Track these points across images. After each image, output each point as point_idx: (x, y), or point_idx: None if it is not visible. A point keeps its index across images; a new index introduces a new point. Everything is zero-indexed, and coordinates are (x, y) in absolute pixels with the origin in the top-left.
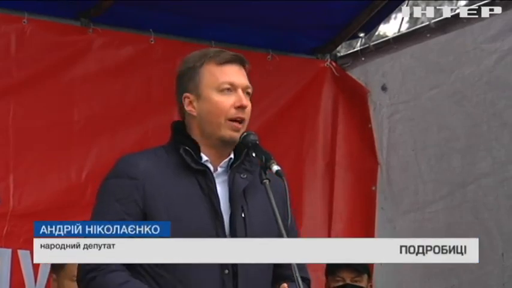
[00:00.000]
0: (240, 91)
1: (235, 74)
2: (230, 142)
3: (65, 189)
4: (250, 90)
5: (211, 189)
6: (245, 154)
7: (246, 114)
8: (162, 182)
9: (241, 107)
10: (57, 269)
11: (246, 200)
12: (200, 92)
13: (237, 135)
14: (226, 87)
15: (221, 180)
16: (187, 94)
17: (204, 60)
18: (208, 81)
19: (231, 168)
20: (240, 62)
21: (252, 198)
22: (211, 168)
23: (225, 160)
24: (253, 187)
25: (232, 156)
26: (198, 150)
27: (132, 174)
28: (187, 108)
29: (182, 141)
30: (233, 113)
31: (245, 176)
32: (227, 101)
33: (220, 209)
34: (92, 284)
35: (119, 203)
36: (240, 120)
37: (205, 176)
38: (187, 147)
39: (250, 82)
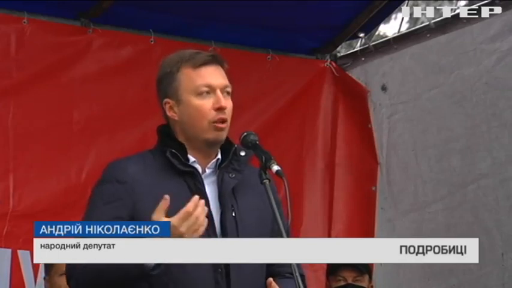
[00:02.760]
0: (218, 92)
1: (212, 76)
2: (215, 143)
3: (65, 190)
4: (229, 89)
5: (200, 189)
6: (233, 153)
7: (227, 114)
8: (151, 185)
9: (221, 109)
10: (48, 268)
11: (235, 199)
12: (179, 97)
13: (221, 135)
14: (204, 90)
15: (210, 181)
16: (167, 100)
17: (180, 64)
18: (186, 86)
19: (219, 168)
20: (217, 62)
21: (242, 197)
22: (200, 169)
23: (212, 161)
24: (243, 186)
25: (219, 156)
26: (185, 152)
27: (120, 178)
28: (169, 113)
29: (169, 144)
30: (214, 115)
31: (233, 175)
32: (206, 104)
33: (209, 208)
34: (81, 274)
35: (109, 207)
36: (222, 121)
37: (193, 177)
38: (173, 150)
39: (230, 81)
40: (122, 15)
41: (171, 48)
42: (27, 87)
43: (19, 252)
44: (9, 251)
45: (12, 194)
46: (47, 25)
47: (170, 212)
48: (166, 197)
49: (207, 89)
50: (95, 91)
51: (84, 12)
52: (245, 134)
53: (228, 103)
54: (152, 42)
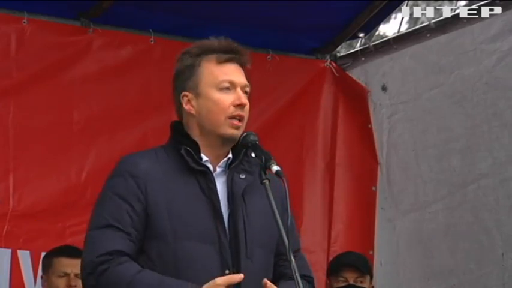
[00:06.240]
0: (239, 89)
1: (235, 73)
2: (230, 140)
3: (65, 190)
4: (248, 89)
5: (212, 189)
6: (243, 154)
7: (245, 112)
8: (163, 181)
9: (241, 105)
10: (46, 268)
11: (244, 200)
12: (199, 90)
13: (237, 133)
14: (225, 86)
15: (220, 180)
16: (186, 93)
17: (202, 58)
18: (207, 80)
19: (229, 168)
20: (240, 62)
21: (251, 198)
22: (211, 168)
23: (223, 160)
24: (251, 187)
25: (230, 156)
26: (198, 151)
27: (133, 173)
28: (186, 106)
29: (182, 141)
30: (232, 110)
31: (244, 176)
32: (227, 99)
33: (220, 209)
34: (104, 276)
35: (124, 201)
36: (240, 118)
37: (205, 177)
38: (188, 148)
39: (248, 81)
40: (122, 15)
41: (171, 48)
42: (27, 87)
43: (19, 252)
44: (9, 251)
45: (12, 194)
46: (47, 25)
47: (182, 210)
48: (241, 276)
49: (229, 85)
50: (95, 91)
51: (84, 12)
52: (245, 134)
53: (247, 101)
54: (152, 42)
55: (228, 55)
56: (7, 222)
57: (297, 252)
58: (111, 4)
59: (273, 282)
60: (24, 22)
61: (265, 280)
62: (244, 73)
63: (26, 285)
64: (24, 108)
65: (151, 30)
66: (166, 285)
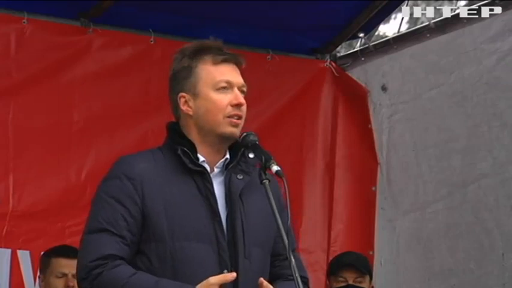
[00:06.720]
0: (236, 89)
1: (231, 73)
2: (230, 138)
3: (65, 190)
4: (245, 89)
5: (209, 189)
6: (241, 155)
7: (243, 111)
8: (160, 182)
9: (238, 105)
10: (43, 268)
11: (242, 200)
12: (197, 91)
13: (236, 131)
14: (223, 86)
15: (217, 180)
16: (183, 94)
17: (199, 59)
18: (205, 80)
19: (226, 168)
20: (235, 61)
21: (248, 198)
22: (208, 168)
23: (221, 160)
24: (249, 188)
25: (228, 156)
26: (194, 151)
27: (129, 175)
28: (183, 107)
29: (179, 141)
30: (230, 110)
31: (241, 177)
32: (224, 99)
33: (218, 209)
34: (99, 279)
35: (119, 204)
36: (238, 117)
37: (202, 177)
38: (184, 148)
39: (244, 80)
40: (122, 15)
41: (171, 48)
42: (27, 87)
43: (18, 252)
44: (8, 251)
45: (12, 194)
46: (47, 25)
47: (179, 211)
48: (234, 274)
49: (226, 85)
50: (95, 91)
51: (84, 12)
52: (245, 134)
53: (244, 101)
54: (152, 42)
55: (223, 55)
56: (7, 222)
57: (293, 252)
58: (111, 4)
59: (269, 282)
60: (24, 22)
61: (261, 279)
62: (240, 73)
63: (25, 285)
64: (24, 108)
65: (151, 30)
66: (161, 286)
